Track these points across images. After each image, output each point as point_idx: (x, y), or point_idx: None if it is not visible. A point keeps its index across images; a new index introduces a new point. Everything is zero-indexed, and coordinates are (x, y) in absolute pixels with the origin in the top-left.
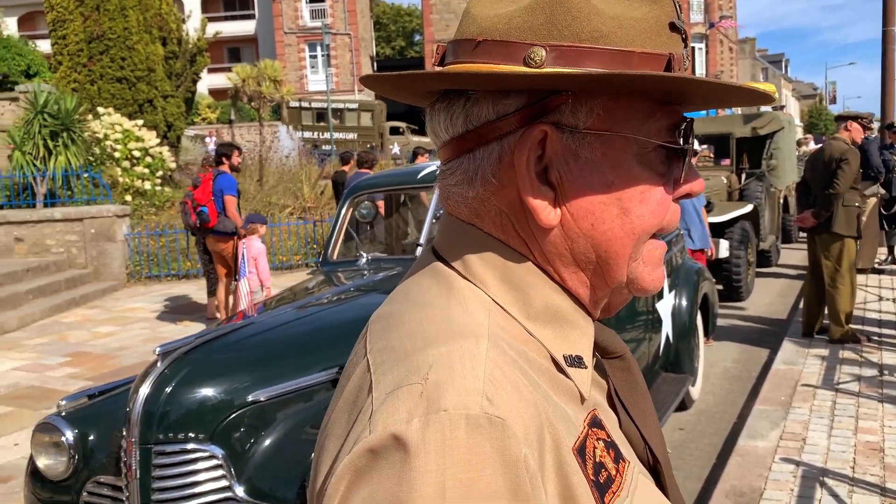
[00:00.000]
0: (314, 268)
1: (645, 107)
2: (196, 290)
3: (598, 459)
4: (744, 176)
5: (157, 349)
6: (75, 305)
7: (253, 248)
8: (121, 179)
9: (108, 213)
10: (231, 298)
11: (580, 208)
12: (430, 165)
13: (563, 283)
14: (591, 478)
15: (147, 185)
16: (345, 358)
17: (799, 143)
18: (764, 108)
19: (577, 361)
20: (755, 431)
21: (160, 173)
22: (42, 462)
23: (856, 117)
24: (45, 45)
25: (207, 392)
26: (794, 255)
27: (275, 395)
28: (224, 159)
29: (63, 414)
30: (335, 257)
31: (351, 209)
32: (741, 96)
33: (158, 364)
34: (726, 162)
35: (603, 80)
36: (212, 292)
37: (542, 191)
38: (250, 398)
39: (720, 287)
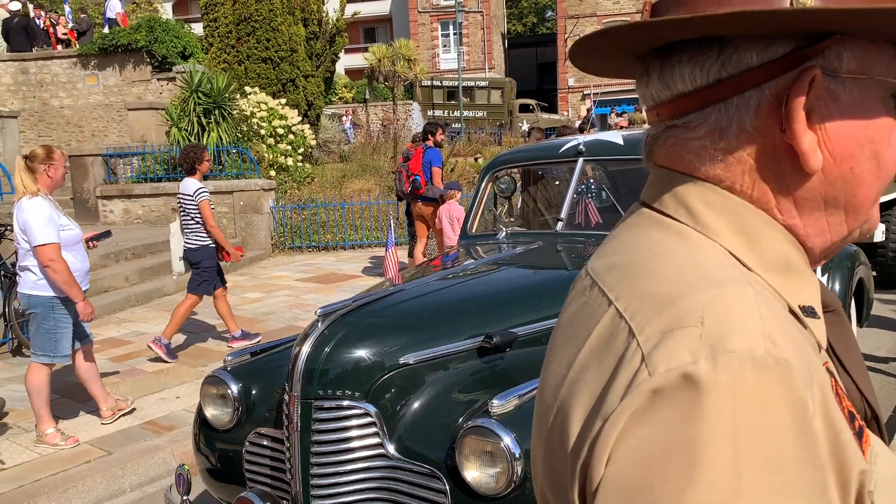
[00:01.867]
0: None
1: (891, 50)
2: (334, 261)
3: (848, 409)
4: None
5: (318, 311)
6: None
7: (455, 210)
8: (266, 155)
9: (255, 187)
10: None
11: (842, 151)
12: (573, 139)
13: (796, 230)
14: (850, 425)
15: (289, 162)
16: (490, 328)
17: None
18: None
19: (811, 312)
20: None
21: (301, 150)
22: (209, 412)
23: None
24: (197, 28)
25: (362, 352)
26: None
27: (424, 358)
28: (430, 136)
29: (229, 368)
30: (474, 230)
31: (490, 183)
32: None
33: (319, 324)
34: None
35: (884, 17)
36: (411, 252)
37: (810, 135)
38: (401, 360)
39: (875, 273)
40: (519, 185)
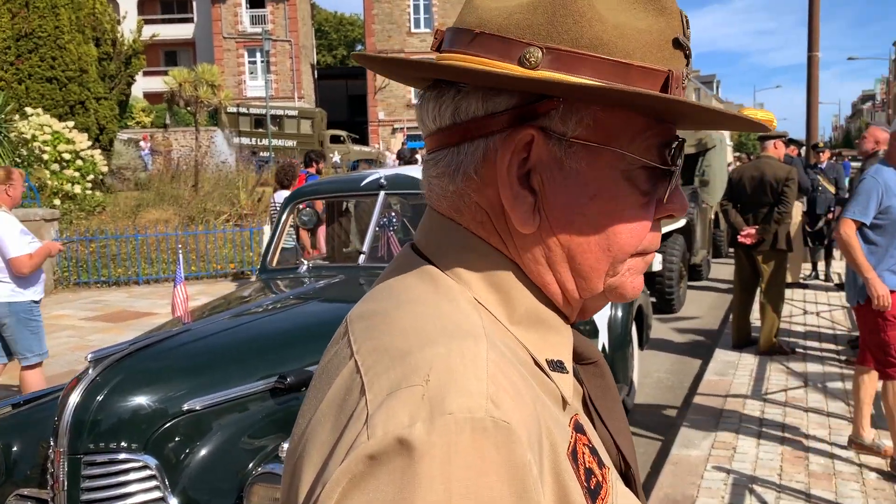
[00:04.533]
0: (251, 276)
1: (637, 122)
2: (126, 298)
3: (587, 465)
4: None
5: (89, 356)
6: None
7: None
8: (49, 182)
9: (35, 217)
10: None
11: (559, 218)
12: (374, 173)
13: (541, 286)
14: (584, 484)
15: (77, 189)
16: (285, 367)
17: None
18: None
19: (559, 366)
20: (688, 441)
21: (91, 177)
22: None
23: (778, 136)
24: None
25: (141, 400)
26: (724, 269)
27: (211, 403)
28: (314, 163)
29: None
30: (275, 264)
31: (292, 215)
32: (737, 123)
33: (90, 371)
34: None
35: (595, 91)
36: None
37: (521, 195)
38: (186, 407)
39: (653, 299)
40: (324, 217)
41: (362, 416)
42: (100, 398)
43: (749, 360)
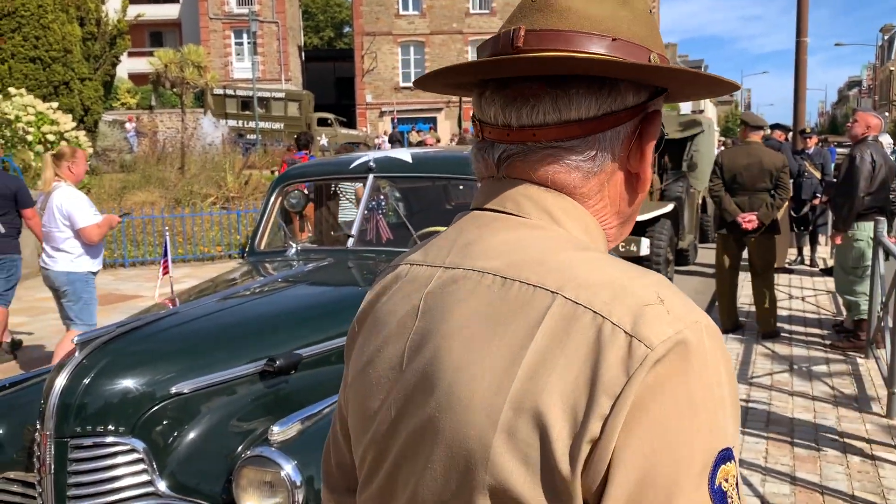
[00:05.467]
0: (239, 258)
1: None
2: (112, 280)
3: None
4: (665, 176)
5: (75, 339)
6: None
7: None
8: (34, 164)
9: None
10: None
11: (645, 176)
12: (364, 156)
13: (612, 238)
14: None
15: None
16: (273, 350)
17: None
18: (684, 111)
19: None
20: None
21: None
22: None
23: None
24: None
25: (128, 383)
26: (711, 253)
27: (199, 386)
28: (311, 144)
29: None
30: (262, 247)
31: (280, 198)
32: (720, 88)
33: (76, 354)
34: None
35: (696, 80)
36: None
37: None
38: (174, 390)
39: None
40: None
41: (618, 335)
42: (86, 381)
43: (735, 345)
